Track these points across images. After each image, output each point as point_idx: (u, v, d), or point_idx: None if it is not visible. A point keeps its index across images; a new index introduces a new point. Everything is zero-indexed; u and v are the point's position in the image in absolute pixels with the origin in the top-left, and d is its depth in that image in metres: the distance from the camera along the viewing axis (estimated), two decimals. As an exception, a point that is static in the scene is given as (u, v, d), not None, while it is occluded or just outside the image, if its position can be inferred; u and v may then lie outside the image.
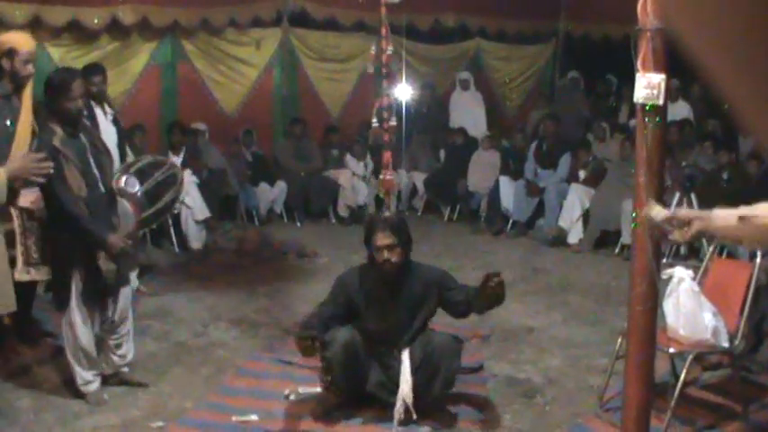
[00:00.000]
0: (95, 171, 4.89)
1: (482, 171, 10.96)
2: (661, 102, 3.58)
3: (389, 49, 5.70)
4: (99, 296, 4.95)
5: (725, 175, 8.85)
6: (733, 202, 9.18)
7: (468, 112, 12.33)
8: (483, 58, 12.99)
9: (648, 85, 3.58)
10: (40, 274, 5.29)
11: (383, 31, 5.64)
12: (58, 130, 4.73)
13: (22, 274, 5.14)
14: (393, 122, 5.66)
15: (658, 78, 3.56)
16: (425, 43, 12.13)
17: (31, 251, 5.20)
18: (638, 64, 3.61)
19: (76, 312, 4.87)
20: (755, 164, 8.96)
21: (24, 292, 5.31)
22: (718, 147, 9.17)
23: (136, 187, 5.88)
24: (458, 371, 4.93)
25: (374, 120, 5.73)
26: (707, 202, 8.26)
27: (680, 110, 10.37)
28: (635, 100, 3.66)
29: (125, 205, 5.42)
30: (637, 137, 3.71)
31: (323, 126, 11.48)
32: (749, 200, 9.40)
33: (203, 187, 9.39)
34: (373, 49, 6.05)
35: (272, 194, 10.73)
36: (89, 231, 4.78)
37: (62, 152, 4.69)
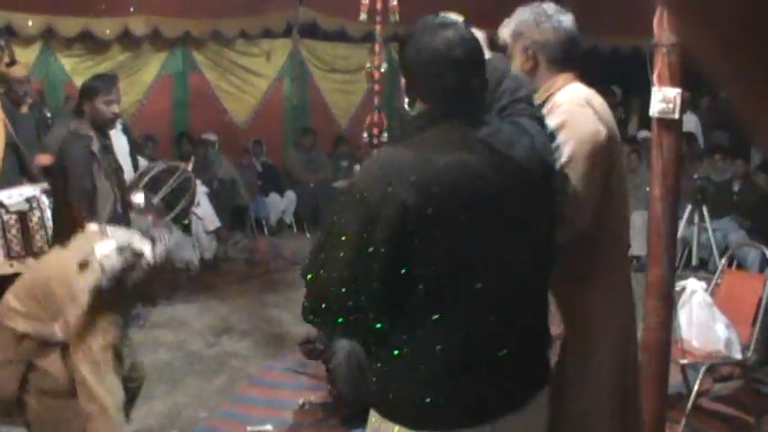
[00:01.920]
0: (116, 190, 4.87)
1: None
2: (677, 116, 3.60)
3: (383, 66, 5.74)
4: None
5: (735, 187, 8.87)
6: (743, 213, 9.18)
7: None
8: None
9: (664, 99, 3.60)
10: (23, 267, 5.18)
11: (377, 47, 5.68)
12: (95, 138, 4.68)
13: (3, 267, 5.12)
14: (384, 138, 5.71)
15: (674, 92, 3.58)
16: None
17: (12, 244, 5.18)
18: (654, 78, 3.63)
19: None
20: (765, 176, 8.99)
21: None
22: (726, 158, 9.20)
23: (152, 200, 5.90)
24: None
25: (365, 135, 5.80)
26: (718, 214, 8.33)
27: (687, 123, 10.39)
28: (651, 113, 3.67)
29: (143, 218, 5.43)
30: (653, 150, 3.72)
31: (332, 137, 11.53)
32: (759, 212, 9.41)
33: (213, 198, 9.43)
34: (368, 66, 6.08)
35: (281, 205, 10.77)
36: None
37: (98, 160, 4.65)
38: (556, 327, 2.98)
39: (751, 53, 0.81)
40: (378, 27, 5.59)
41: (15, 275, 5.24)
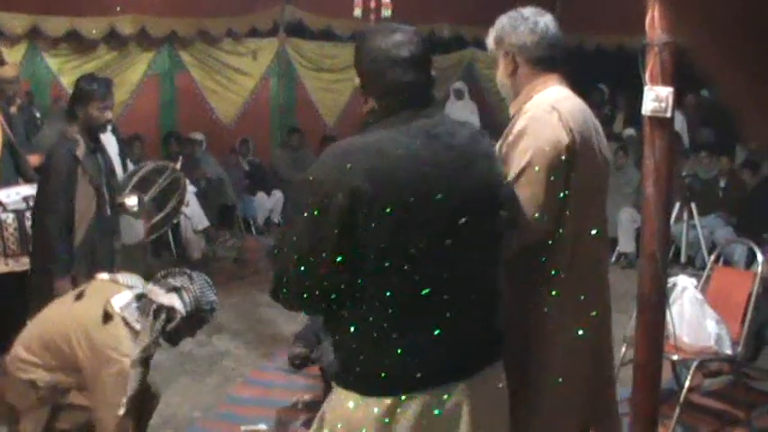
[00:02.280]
0: (105, 193, 4.84)
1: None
2: (669, 114, 3.63)
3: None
4: None
5: (721, 184, 8.95)
6: (729, 210, 9.26)
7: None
8: (478, 67, 13.07)
9: (656, 98, 3.63)
10: (18, 265, 5.20)
11: None
12: (82, 143, 4.63)
13: None
14: None
15: (666, 91, 3.61)
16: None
17: (9, 242, 5.17)
18: (646, 77, 3.66)
19: None
20: (749, 173, 9.07)
21: (4, 285, 5.24)
22: (712, 155, 9.27)
23: (142, 202, 5.89)
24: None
25: None
26: (704, 211, 8.40)
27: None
28: (643, 112, 3.70)
29: (133, 220, 5.44)
30: (645, 148, 3.76)
31: (320, 136, 11.52)
32: (745, 208, 9.50)
33: (201, 197, 9.43)
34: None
35: (269, 204, 10.77)
36: (51, 257, 4.59)
37: (82, 165, 4.62)
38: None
39: (745, 51, 0.84)
40: (372, 24, 5.60)
41: (10, 274, 5.29)
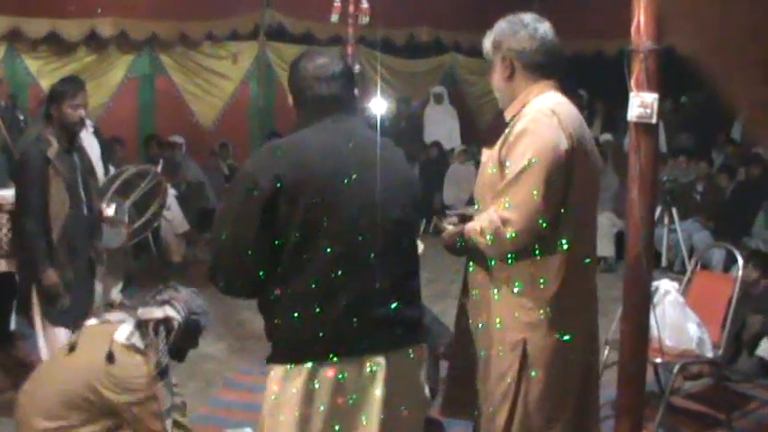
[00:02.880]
0: (82, 192, 4.85)
1: (457, 184, 11.08)
2: (654, 120, 3.68)
3: (357, 68, 5.78)
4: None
5: (699, 188, 9.06)
6: (707, 214, 9.34)
7: (443, 126, 12.46)
8: (457, 72, 13.14)
9: (642, 104, 3.67)
10: (10, 265, 5.19)
11: (349, 49, 5.72)
12: (54, 143, 4.66)
13: None
14: None
15: (651, 98, 3.66)
16: (400, 57, 12.25)
17: (3, 242, 5.16)
18: (632, 83, 3.70)
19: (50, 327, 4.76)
20: (726, 177, 9.18)
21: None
22: (690, 160, 9.39)
23: (122, 210, 5.88)
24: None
25: None
26: (683, 215, 8.49)
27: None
28: (629, 118, 3.75)
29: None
30: (630, 154, 3.80)
31: (299, 139, 11.54)
32: (721, 212, 9.57)
33: (181, 200, 9.40)
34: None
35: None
36: (33, 254, 4.64)
37: (54, 165, 4.65)
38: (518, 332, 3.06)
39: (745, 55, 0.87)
40: (350, 29, 5.63)
41: (6, 274, 5.27)
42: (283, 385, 2.62)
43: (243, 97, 11.50)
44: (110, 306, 5.45)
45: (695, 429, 4.98)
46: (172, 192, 9.14)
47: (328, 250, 2.58)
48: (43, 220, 4.63)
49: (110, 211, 5.33)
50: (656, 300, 4.89)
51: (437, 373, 4.75)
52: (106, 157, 7.24)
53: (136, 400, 3.70)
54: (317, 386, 2.60)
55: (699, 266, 5.91)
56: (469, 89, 13.35)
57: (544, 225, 2.89)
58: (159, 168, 9.30)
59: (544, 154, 2.86)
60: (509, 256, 3.00)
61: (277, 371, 2.65)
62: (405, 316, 2.76)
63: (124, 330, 3.81)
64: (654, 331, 4.83)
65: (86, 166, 4.99)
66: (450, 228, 3.30)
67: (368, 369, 2.65)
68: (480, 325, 3.15)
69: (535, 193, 2.85)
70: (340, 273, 2.60)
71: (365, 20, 6.25)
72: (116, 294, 7.09)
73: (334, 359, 2.60)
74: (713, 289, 5.22)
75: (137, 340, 3.79)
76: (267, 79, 11.60)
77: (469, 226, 3.08)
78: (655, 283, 4.94)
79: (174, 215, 9.03)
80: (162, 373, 3.77)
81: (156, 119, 10.76)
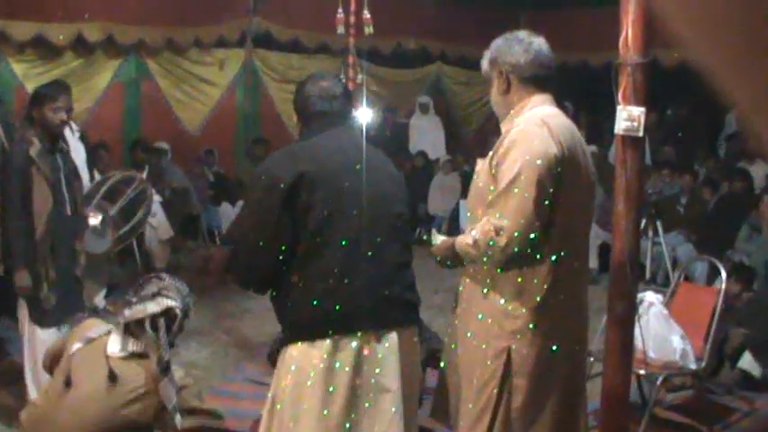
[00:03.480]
0: (65, 192, 4.86)
1: (442, 195, 11.11)
2: (641, 133, 3.72)
3: (359, 77, 5.79)
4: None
5: (682, 201, 9.12)
6: (690, 227, 9.35)
7: (428, 136, 12.50)
8: (444, 82, 13.18)
9: (629, 117, 3.71)
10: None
11: (350, 59, 5.73)
12: (36, 142, 4.69)
13: None
14: None
15: (638, 111, 3.70)
16: (387, 67, 12.28)
17: None
18: (619, 96, 3.74)
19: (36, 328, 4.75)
20: (709, 190, 9.25)
21: None
22: (674, 173, 9.45)
23: (107, 219, 5.87)
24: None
25: None
26: (666, 228, 8.54)
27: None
28: (616, 131, 3.79)
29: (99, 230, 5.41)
30: (617, 167, 3.84)
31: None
32: (705, 225, 9.59)
33: (166, 206, 9.37)
34: (342, 78, 6.13)
35: (233, 214, 10.71)
36: (14, 249, 4.64)
37: (36, 163, 4.65)
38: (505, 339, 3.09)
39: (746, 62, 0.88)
40: (351, 39, 5.65)
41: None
42: (305, 360, 2.90)
43: (229, 104, 11.48)
44: (93, 311, 5.37)
45: (677, 441, 5.01)
46: (157, 198, 9.12)
47: (343, 236, 2.92)
48: (26, 218, 4.66)
49: (94, 220, 5.32)
50: (640, 311, 4.93)
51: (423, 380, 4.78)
52: (91, 162, 7.21)
53: (152, 412, 3.72)
54: (339, 358, 2.89)
55: (682, 279, 5.96)
56: (455, 99, 13.39)
57: (534, 235, 2.93)
58: (145, 174, 9.30)
59: (534, 163, 2.92)
60: (498, 265, 3.04)
61: (296, 348, 2.94)
62: (408, 298, 3.13)
63: (114, 341, 3.75)
64: (638, 343, 4.88)
65: (70, 167, 5.00)
66: (440, 240, 3.35)
67: (385, 343, 2.98)
68: (469, 334, 3.18)
69: (527, 201, 2.90)
70: (354, 256, 2.93)
71: (369, 29, 6.26)
72: (99, 300, 7.06)
73: (355, 333, 2.91)
74: (697, 301, 5.27)
75: (132, 345, 3.75)
76: (254, 87, 11.59)
77: (461, 238, 3.13)
78: (639, 295, 4.97)
79: (159, 221, 9.00)
80: (165, 369, 3.75)
81: (141, 124, 10.72)
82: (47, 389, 4.01)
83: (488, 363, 3.08)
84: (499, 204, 2.96)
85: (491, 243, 2.94)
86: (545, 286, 3.02)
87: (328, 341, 2.88)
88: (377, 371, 2.95)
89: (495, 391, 3.07)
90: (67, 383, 3.75)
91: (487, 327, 3.09)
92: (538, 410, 3.12)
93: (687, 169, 9.59)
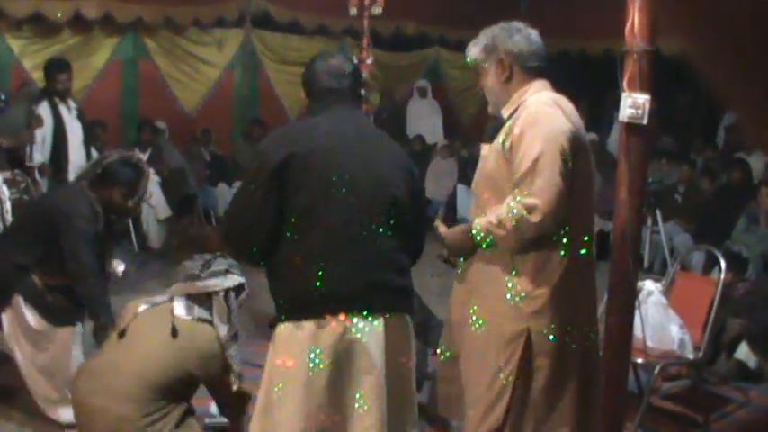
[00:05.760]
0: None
1: (440, 179, 11.08)
2: (645, 121, 3.69)
3: (369, 60, 5.76)
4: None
5: (680, 190, 9.11)
6: (687, 217, 9.36)
7: (426, 120, 12.46)
8: (442, 66, 13.13)
9: (634, 104, 3.68)
10: None
11: (364, 42, 5.71)
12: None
13: None
14: None
15: (643, 98, 3.67)
16: (385, 50, 12.20)
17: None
18: (624, 84, 3.72)
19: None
20: (708, 180, 9.24)
21: None
22: (672, 162, 9.44)
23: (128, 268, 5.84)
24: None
25: None
26: (664, 217, 8.54)
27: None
28: (620, 118, 3.76)
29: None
30: (619, 155, 3.82)
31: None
32: (702, 214, 9.59)
33: (163, 186, 9.34)
34: (355, 60, 6.11)
35: (230, 195, 10.65)
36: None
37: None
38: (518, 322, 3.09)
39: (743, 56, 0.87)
40: (364, 22, 5.64)
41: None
42: (290, 339, 2.95)
43: (227, 84, 11.43)
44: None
45: (673, 430, 5.01)
46: (154, 178, 9.08)
47: (331, 218, 2.95)
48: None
49: (118, 267, 5.26)
50: (639, 300, 4.91)
51: (425, 365, 4.77)
52: (89, 141, 7.16)
53: (215, 370, 3.90)
54: (321, 339, 2.92)
55: (679, 268, 5.94)
56: (453, 84, 13.33)
57: (562, 210, 2.96)
58: (148, 154, 9.25)
59: (556, 140, 2.96)
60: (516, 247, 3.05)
61: (284, 326, 2.99)
62: (399, 284, 3.11)
63: (180, 305, 3.92)
64: (637, 331, 4.87)
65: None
66: (443, 228, 3.36)
67: (370, 326, 2.97)
68: (480, 321, 3.18)
69: (554, 176, 2.92)
70: (341, 239, 2.96)
71: (377, 10, 6.26)
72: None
73: (338, 315, 2.93)
74: (695, 291, 5.25)
75: (200, 312, 3.92)
76: (252, 67, 11.54)
77: (481, 221, 3.10)
78: (638, 284, 4.96)
79: (157, 201, 8.98)
80: (234, 336, 3.99)
81: (138, 103, 10.67)
82: (106, 341, 4.13)
83: (505, 346, 3.09)
84: (525, 183, 2.96)
85: (521, 221, 2.94)
86: (562, 267, 3.05)
87: (312, 322, 2.92)
88: (360, 354, 2.96)
89: (512, 375, 3.08)
90: (121, 335, 3.91)
91: (504, 311, 3.10)
92: (558, 395, 3.14)
93: (685, 159, 9.59)
